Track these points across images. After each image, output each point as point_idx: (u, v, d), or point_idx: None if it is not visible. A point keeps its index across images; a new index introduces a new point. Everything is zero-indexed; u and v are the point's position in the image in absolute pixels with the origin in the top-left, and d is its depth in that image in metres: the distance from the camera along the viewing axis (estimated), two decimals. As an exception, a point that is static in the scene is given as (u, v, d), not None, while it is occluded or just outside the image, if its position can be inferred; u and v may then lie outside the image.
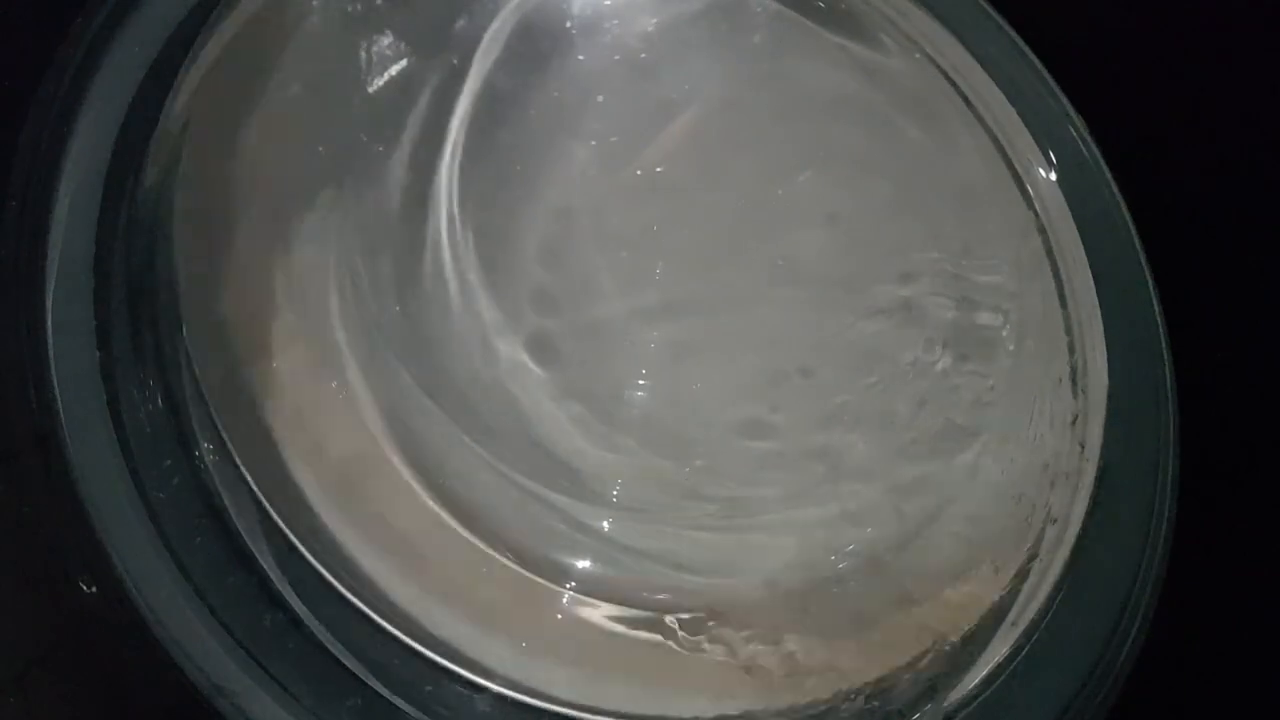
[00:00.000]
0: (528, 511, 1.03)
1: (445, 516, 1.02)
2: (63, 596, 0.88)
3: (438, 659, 0.97)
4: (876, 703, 0.86)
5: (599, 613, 1.01)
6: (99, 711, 0.91)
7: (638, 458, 1.01)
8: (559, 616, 1.01)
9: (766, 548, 0.99)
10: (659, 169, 0.94)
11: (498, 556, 1.02)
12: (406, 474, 1.02)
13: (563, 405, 1.01)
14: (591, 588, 1.02)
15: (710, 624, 0.98)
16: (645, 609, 1.00)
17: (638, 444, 1.00)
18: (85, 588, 0.86)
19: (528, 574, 1.02)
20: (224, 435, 0.95)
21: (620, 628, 1.01)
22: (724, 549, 1.00)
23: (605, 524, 1.02)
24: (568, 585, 1.02)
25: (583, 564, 1.02)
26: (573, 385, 1.00)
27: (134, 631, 0.87)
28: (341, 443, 1.02)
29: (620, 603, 1.01)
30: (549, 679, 0.97)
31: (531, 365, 1.00)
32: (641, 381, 0.99)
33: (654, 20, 0.92)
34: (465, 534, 1.02)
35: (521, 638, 1.00)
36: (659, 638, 0.99)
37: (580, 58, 0.93)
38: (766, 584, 0.98)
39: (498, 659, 0.97)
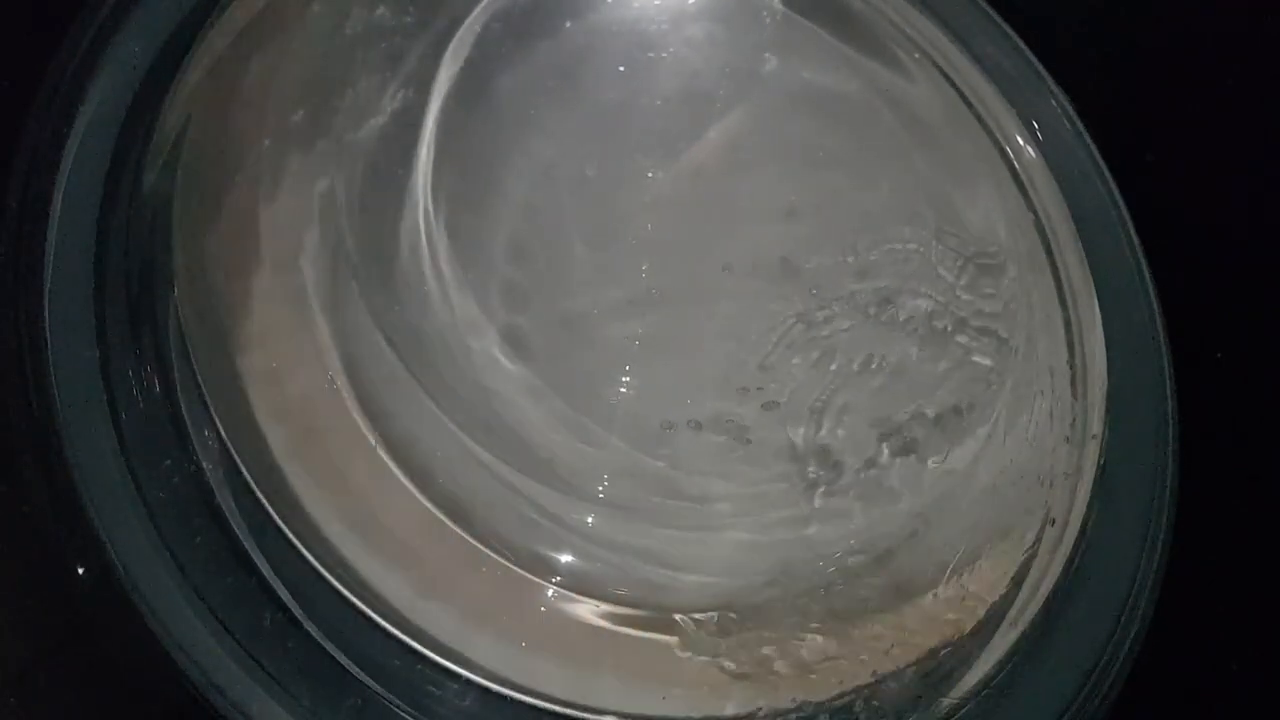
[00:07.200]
0: (515, 507, 1.03)
1: (437, 513, 1.02)
2: (63, 597, 0.88)
3: (433, 657, 0.97)
4: (876, 702, 0.86)
5: (586, 609, 1.02)
6: (99, 711, 0.91)
7: (620, 454, 1.01)
8: (543, 610, 1.01)
9: (756, 546, 0.99)
10: (649, 170, 0.94)
11: (488, 552, 1.02)
12: (398, 470, 1.02)
13: (548, 402, 1.01)
14: (577, 583, 1.02)
15: (702, 622, 0.98)
16: (634, 606, 1.00)
17: (620, 440, 1.00)
18: (79, 570, 0.86)
19: (517, 569, 1.02)
20: (221, 434, 0.95)
21: (608, 624, 1.01)
22: (711, 546, 1.01)
23: (590, 519, 1.02)
24: (553, 580, 1.02)
25: (567, 559, 1.02)
26: (556, 381, 1.00)
27: (134, 631, 0.87)
28: (334, 440, 1.02)
29: (606, 599, 1.01)
30: (541, 676, 0.97)
31: (514, 362, 1.00)
32: (625, 378, 0.99)
33: (642, 17, 0.92)
34: (457, 530, 1.02)
35: (513, 634, 1.00)
36: (649, 635, 0.99)
37: (566, 52, 0.93)
38: (757, 582, 0.98)
39: (491, 656, 0.97)
